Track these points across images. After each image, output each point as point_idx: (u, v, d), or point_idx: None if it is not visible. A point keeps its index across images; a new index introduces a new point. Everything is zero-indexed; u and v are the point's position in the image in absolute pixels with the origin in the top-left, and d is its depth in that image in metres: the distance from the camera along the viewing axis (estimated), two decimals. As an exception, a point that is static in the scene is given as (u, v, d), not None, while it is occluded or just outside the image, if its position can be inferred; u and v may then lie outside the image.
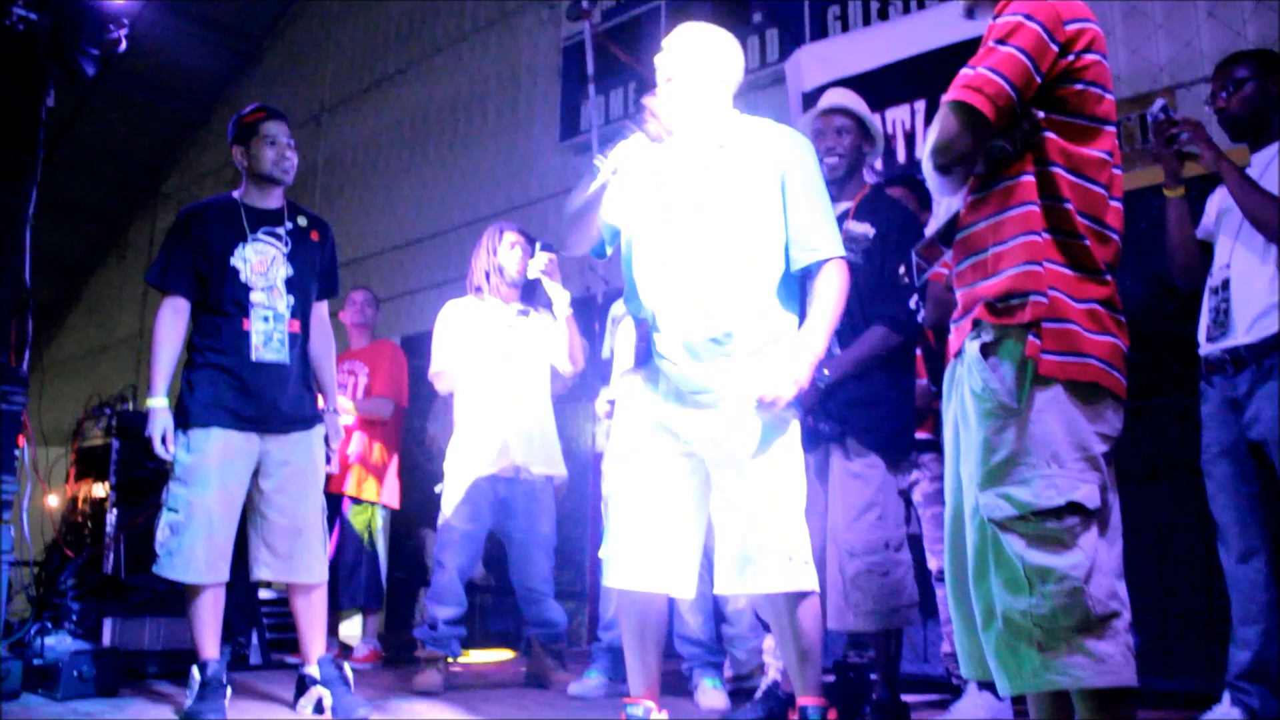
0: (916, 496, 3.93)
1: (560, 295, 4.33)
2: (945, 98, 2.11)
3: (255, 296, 3.67)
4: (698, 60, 2.96)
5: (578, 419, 6.83)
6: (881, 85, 4.96)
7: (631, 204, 2.97)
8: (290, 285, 3.77)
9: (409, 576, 7.05)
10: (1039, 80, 2.07)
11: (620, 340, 4.32)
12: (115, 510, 4.85)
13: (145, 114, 12.41)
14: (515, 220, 5.37)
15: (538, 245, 4.33)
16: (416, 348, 6.09)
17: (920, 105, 4.81)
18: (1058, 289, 2.06)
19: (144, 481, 4.83)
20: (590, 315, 4.77)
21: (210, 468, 3.55)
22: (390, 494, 5.62)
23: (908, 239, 3.50)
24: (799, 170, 2.90)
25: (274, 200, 3.87)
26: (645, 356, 2.89)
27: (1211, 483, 3.30)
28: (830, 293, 2.86)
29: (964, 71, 2.10)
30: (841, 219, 3.56)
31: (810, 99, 5.25)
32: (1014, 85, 2.04)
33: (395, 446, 5.71)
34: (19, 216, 4.05)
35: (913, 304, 3.45)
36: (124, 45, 4.43)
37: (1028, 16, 2.07)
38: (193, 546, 3.49)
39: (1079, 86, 2.11)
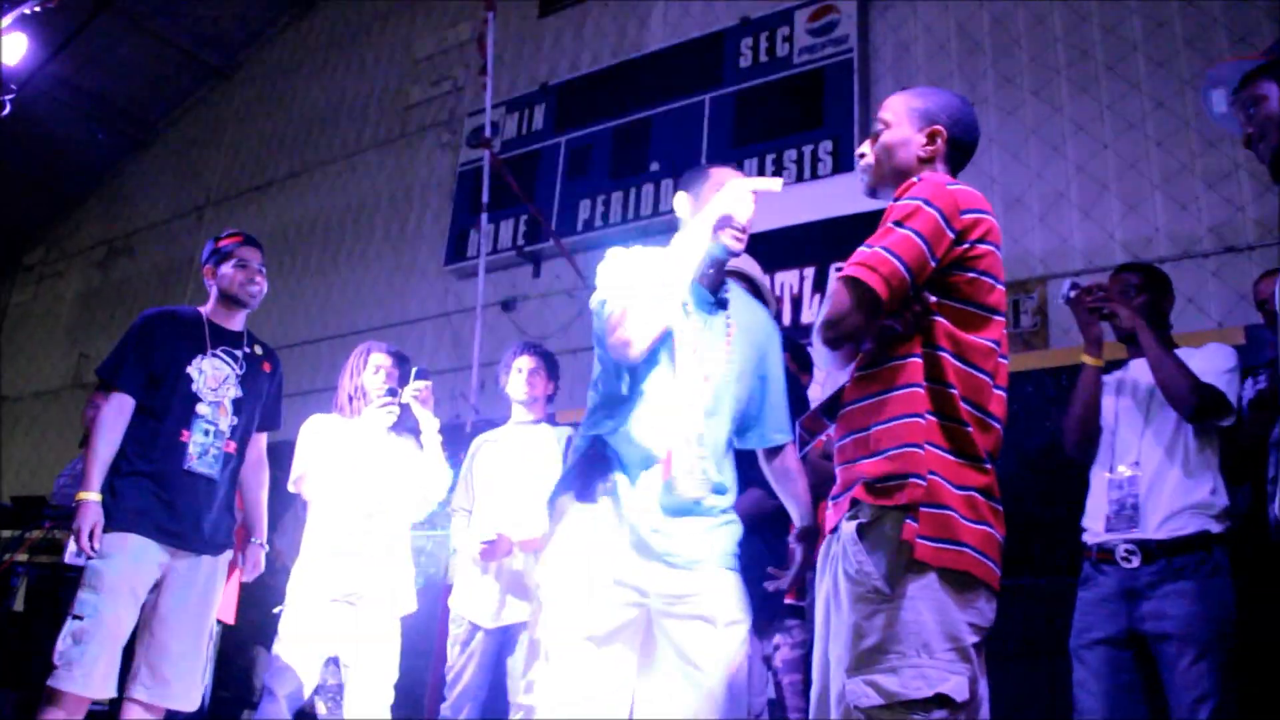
0: (777, 662, 3.88)
1: (430, 422, 4.25)
2: (839, 273, 2.12)
3: (201, 409, 3.68)
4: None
5: (429, 548, 6.66)
6: (773, 248, 5.06)
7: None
8: (237, 406, 3.80)
9: (234, 697, 6.68)
10: (933, 265, 2.09)
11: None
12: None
13: (18, 181, 12.02)
14: (392, 339, 5.27)
15: (414, 371, 4.24)
16: (274, 457, 5.87)
17: (809, 271, 4.92)
18: (937, 473, 2.04)
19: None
20: (459, 443, 4.66)
21: (124, 577, 3.44)
22: (227, 609, 5.31)
23: (790, 404, 3.53)
24: (777, 351, 2.86)
25: (236, 323, 3.94)
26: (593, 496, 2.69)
27: (1083, 668, 3.29)
28: (801, 474, 2.91)
29: (861, 249, 2.12)
30: None
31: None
32: (908, 267, 2.06)
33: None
34: None
35: None
36: (7, 109, 4.35)
37: (927, 202, 2.10)
38: (96, 659, 3.33)
39: (971, 275, 2.14)
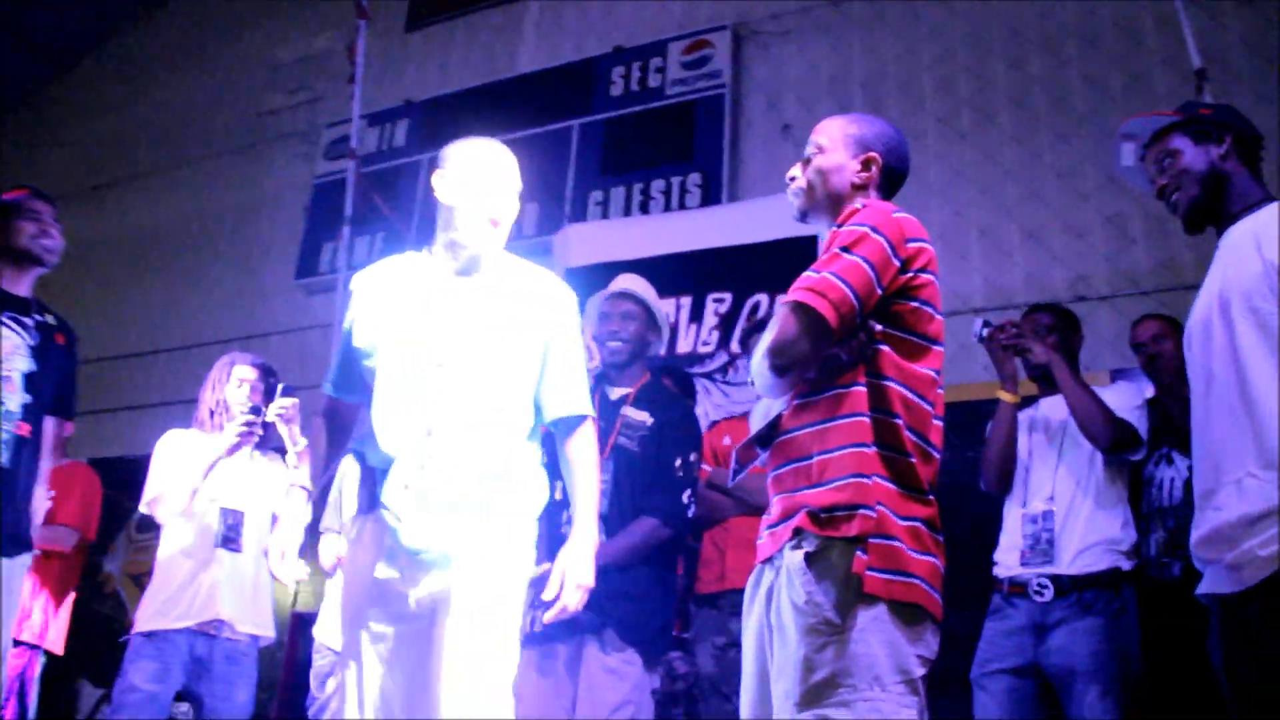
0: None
1: (297, 441, 4.04)
2: (786, 298, 2.08)
3: None
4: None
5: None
6: (649, 275, 5.01)
7: (382, 329, 2.67)
8: (29, 382, 3.29)
9: (55, 738, 6.26)
10: (879, 293, 2.07)
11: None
12: None
13: None
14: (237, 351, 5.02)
15: (280, 388, 4.02)
16: (108, 474, 5.53)
17: (686, 301, 4.90)
18: (884, 505, 2.01)
19: None
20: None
21: None
22: (55, 638, 4.94)
23: (687, 432, 3.48)
24: (566, 324, 2.76)
25: (23, 288, 3.40)
26: (369, 505, 2.61)
27: (986, 696, 3.34)
28: (590, 463, 2.77)
29: (806, 275, 2.08)
30: (619, 404, 3.51)
31: (574, 275, 5.26)
32: (857, 294, 2.03)
33: (71, 584, 5.06)
34: None
35: (685, 499, 3.39)
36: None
37: (874, 229, 2.08)
38: None
39: (914, 304, 2.12)
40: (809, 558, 2.01)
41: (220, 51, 9.73)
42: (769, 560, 2.16)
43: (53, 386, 3.42)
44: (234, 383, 4.11)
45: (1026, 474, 3.52)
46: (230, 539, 3.92)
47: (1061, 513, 3.38)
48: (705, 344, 4.78)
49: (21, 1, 9.85)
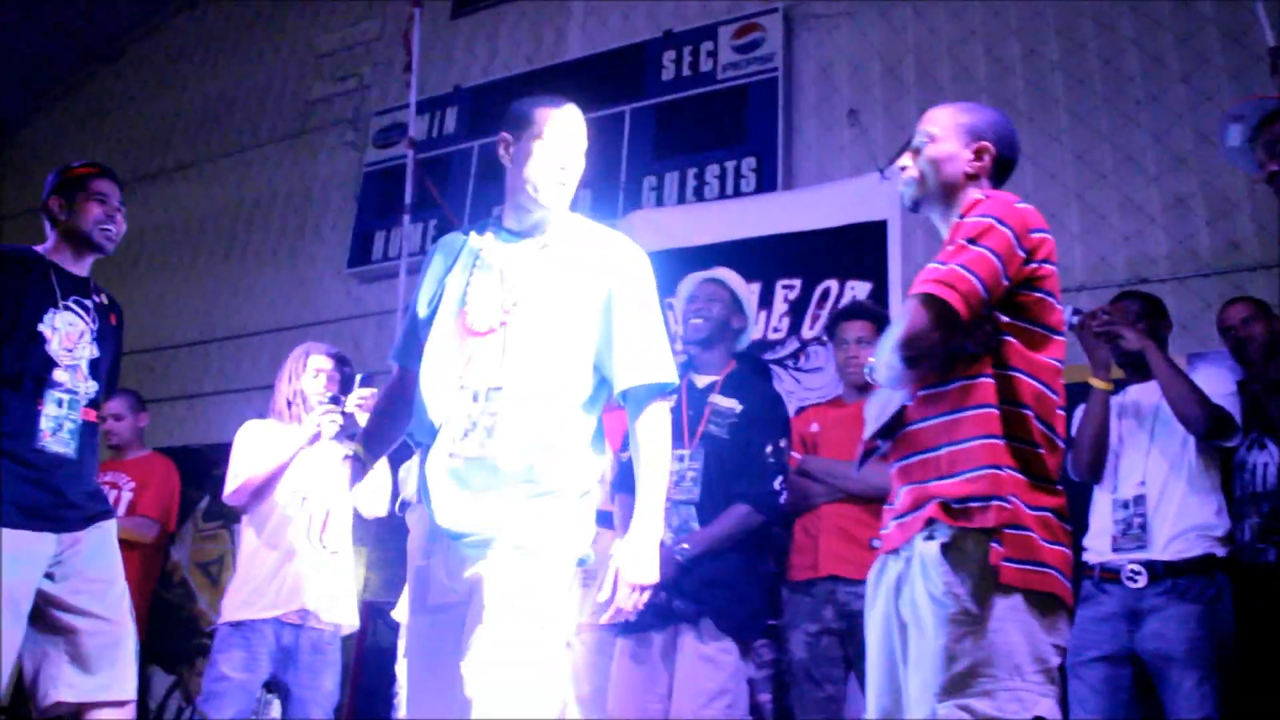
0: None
1: None
2: (915, 290, 2.11)
3: (58, 375, 3.15)
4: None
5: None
6: (717, 261, 5.01)
7: (437, 292, 2.62)
8: (94, 369, 3.26)
9: (131, 722, 6.31)
10: (1006, 284, 2.10)
11: None
12: None
13: None
14: (288, 343, 5.01)
15: (358, 378, 4.03)
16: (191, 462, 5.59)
17: (755, 287, 4.88)
18: (1016, 496, 2.03)
19: None
20: (405, 456, 4.48)
21: (8, 578, 2.94)
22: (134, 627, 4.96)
23: (776, 418, 3.49)
24: (631, 281, 2.57)
25: (83, 269, 3.37)
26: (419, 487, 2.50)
27: (1083, 685, 3.34)
28: (659, 446, 2.52)
29: (933, 266, 2.11)
30: (707, 391, 3.52)
31: (641, 262, 5.26)
32: (985, 285, 2.06)
33: (153, 575, 5.10)
34: None
35: (776, 485, 3.40)
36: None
37: (999, 220, 2.11)
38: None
39: (1038, 294, 2.15)
40: (943, 549, 2.03)
41: (265, 39, 9.76)
42: (894, 551, 2.17)
43: (109, 369, 3.40)
44: (310, 373, 4.12)
45: (1117, 460, 3.51)
46: (307, 529, 3.94)
47: (1154, 498, 3.38)
48: (776, 330, 4.77)
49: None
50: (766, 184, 6.27)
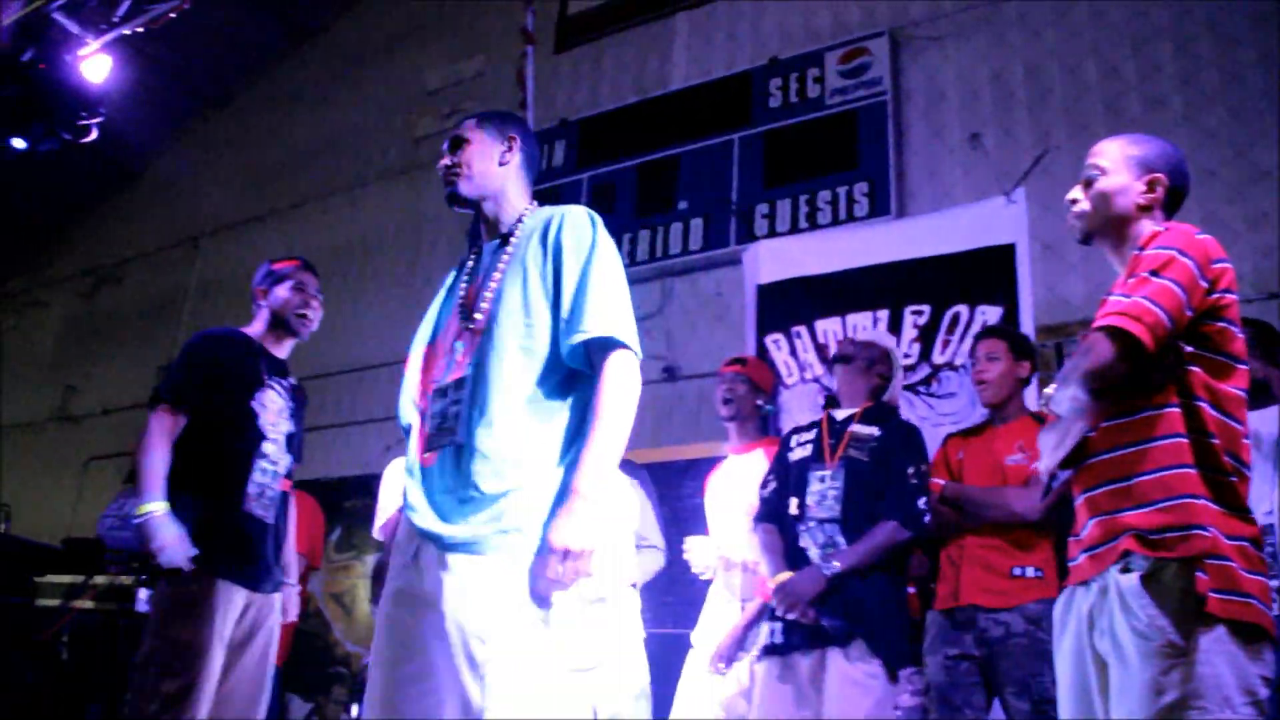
0: (898, 710, 3.83)
1: None
2: (1099, 323, 2.14)
3: (266, 447, 3.44)
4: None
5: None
6: (843, 289, 5.06)
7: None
8: (289, 442, 3.56)
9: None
10: (1189, 315, 2.12)
11: None
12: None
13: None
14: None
15: None
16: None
17: (883, 314, 4.91)
18: (1213, 525, 2.05)
19: (4, 618, 4.35)
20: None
21: (218, 622, 3.18)
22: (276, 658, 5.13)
23: (914, 444, 3.51)
24: (571, 243, 2.37)
25: (284, 351, 3.70)
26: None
27: None
28: (608, 404, 2.23)
29: (1116, 299, 2.15)
30: (847, 422, 3.56)
31: (765, 291, 5.30)
32: (1170, 316, 2.08)
33: (298, 611, 5.24)
34: None
35: (921, 504, 3.42)
36: (94, 135, 4.24)
37: (1181, 251, 2.14)
38: (199, 704, 3.11)
39: (1220, 324, 2.18)
40: (1143, 580, 2.04)
41: (370, 79, 10.00)
42: (1085, 583, 2.19)
43: (299, 443, 3.68)
44: None
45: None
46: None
47: None
48: (907, 356, 4.78)
49: (174, 41, 10.22)
50: (880, 209, 6.29)
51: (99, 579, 4.31)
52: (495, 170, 2.57)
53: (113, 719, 3.33)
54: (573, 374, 2.34)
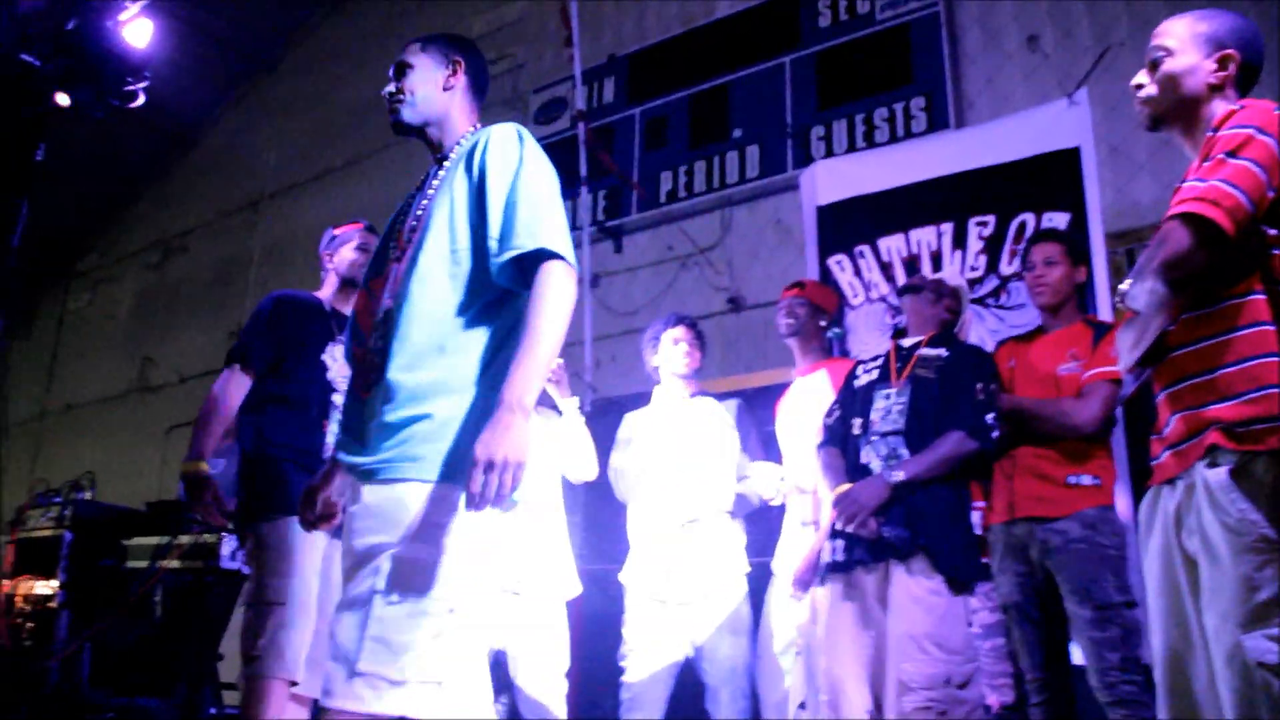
0: (975, 628, 3.76)
1: (569, 402, 4.12)
2: (1174, 210, 2.02)
3: (336, 398, 3.53)
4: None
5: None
6: (905, 205, 4.94)
7: None
8: None
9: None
10: (1271, 196, 1.99)
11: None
12: (66, 613, 4.44)
13: (66, 190, 11.92)
14: None
15: None
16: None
17: (947, 228, 4.79)
18: None
19: (98, 581, 4.45)
20: (605, 420, 4.55)
21: (310, 560, 3.33)
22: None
23: (983, 362, 3.43)
24: (493, 159, 2.27)
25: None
26: None
27: None
28: (536, 315, 2.10)
29: (1191, 184, 2.02)
30: (914, 348, 3.48)
31: (825, 213, 5.21)
32: (1249, 198, 1.96)
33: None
34: None
35: (989, 419, 3.32)
36: (141, 99, 4.27)
37: (1259, 130, 2.01)
38: (300, 643, 3.24)
39: None
40: (1231, 474, 1.96)
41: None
42: (1170, 481, 2.11)
43: None
44: None
45: None
46: (522, 499, 3.99)
47: None
48: (973, 269, 4.66)
49: (217, 8, 10.25)
50: (938, 122, 6.16)
51: (183, 538, 4.41)
52: (438, 95, 2.50)
53: (206, 671, 3.42)
54: (503, 296, 2.24)
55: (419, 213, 2.35)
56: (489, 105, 7.85)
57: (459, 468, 2.06)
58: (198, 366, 10.21)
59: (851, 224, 5.09)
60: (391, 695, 1.99)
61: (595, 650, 4.45)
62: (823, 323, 4.09)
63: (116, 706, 4.03)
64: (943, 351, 3.44)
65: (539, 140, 6.31)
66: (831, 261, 5.12)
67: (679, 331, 4.21)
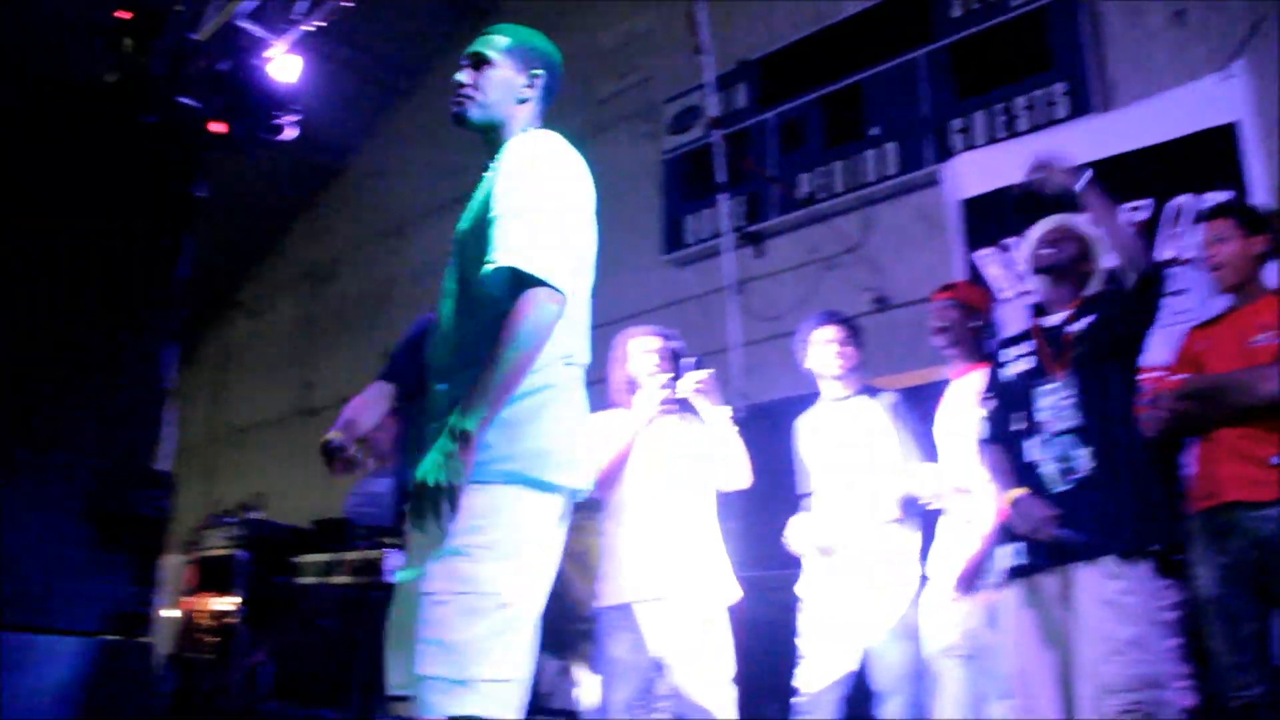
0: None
1: (718, 413, 4.08)
2: None
3: None
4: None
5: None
6: (1050, 194, 4.81)
7: None
8: None
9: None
10: None
11: None
12: (244, 628, 4.64)
13: (221, 224, 12.43)
14: (611, 336, 5.12)
15: (684, 361, 4.06)
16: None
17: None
18: None
19: (272, 596, 4.64)
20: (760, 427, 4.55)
21: None
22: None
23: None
24: (504, 171, 2.31)
25: None
26: None
27: None
28: (506, 335, 2.11)
29: None
30: (1059, 327, 3.37)
31: (970, 206, 5.13)
32: None
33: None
34: (167, 305, 4.03)
35: (1153, 403, 3.20)
36: (295, 133, 4.46)
37: None
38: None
39: None
40: None
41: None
42: None
43: None
44: (638, 355, 4.16)
45: None
46: (672, 505, 4.00)
47: None
48: (1130, 255, 4.53)
49: (354, 40, 10.56)
50: (1081, 107, 5.98)
51: (350, 555, 4.57)
52: (510, 104, 2.50)
53: (377, 682, 3.52)
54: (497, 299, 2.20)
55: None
56: (624, 118, 8.02)
57: (498, 469, 2.12)
58: (355, 388, 10.49)
59: (997, 216, 4.99)
60: (462, 697, 2.03)
61: (757, 656, 4.44)
62: (976, 324, 4.01)
63: (297, 718, 4.18)
64: (1090, 318, 3.32)
65: (673, 151, 6.45)
66: (979, 255, 5.03)
67: (828, 331, 4.16)
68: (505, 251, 2.15)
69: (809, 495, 4.20)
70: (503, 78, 2.50)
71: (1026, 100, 6.25)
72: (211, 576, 5.06)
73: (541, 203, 2.24)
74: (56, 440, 3.67)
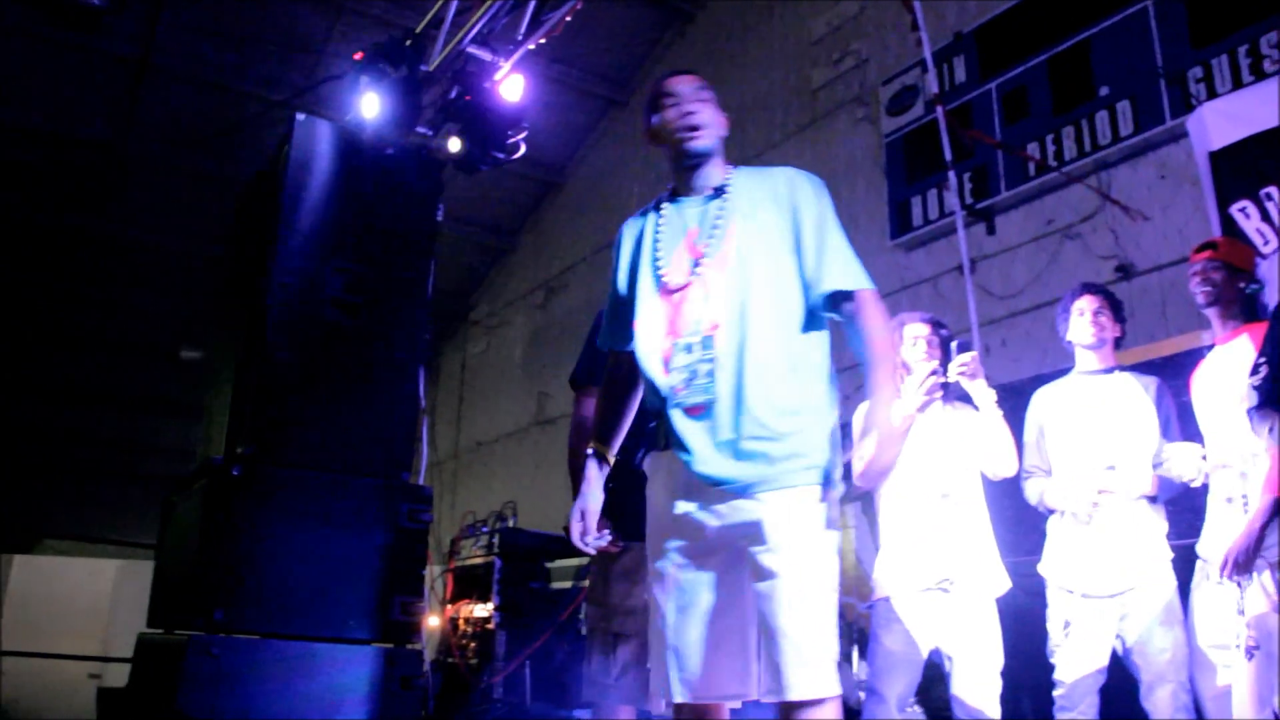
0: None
1: (985, 395, 3.97)
2: None
3: None
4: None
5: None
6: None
7: (633, 269, 2.78)
8: None
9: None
10: None
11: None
12: (503, 633, 4.79)
13: (456, 244, 12.93)
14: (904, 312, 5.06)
15: (954, 345, 3.98)
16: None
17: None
18: None
19: (528, 602, 4.77)
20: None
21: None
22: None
23: None
24: (806, 199, 2.62)
25: None
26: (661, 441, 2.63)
27: None
28: (876, 331, 2.56)
29: None
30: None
31: (1220, 158, 4.81)
32: None
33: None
34: (416, 326, 4.21)
35: None
36: (523, 150, 4.61)
37: None
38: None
39: None
40: None
41: (755, 45, 10.08)
42: None
43: None
44: (908, 342, 4.10)
45: None
46: (947, 495, 3.92)
47: None
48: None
49: (569, 56, 10.78)
50: (1339, 39, 5.54)
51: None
52: (719, 139, 2.74)
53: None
54: (812, 319, 2.54)
55: (729, 237, 2.56)
56: (841, 105, 7.91)
57: (830, 473, 2.45)
58: (586, 398, 10.75)
59: (1252, 165, 4.65)
60: (833, 678, 2.32)
61: (1018, 646, 4.27)
62: (1241, 284, 3.76)
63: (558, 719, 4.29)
64: None
65: (893, 134, 6.35)
66: (1234, 209, 4.70)
67: (1083, 301, 4.01)
68: (843, 276, 2.55)
69: (1042, 471, 4.04)
70: (716, 115, 2.76)
71: (1276, 36, 5.80)
72: (470, 584, 5.25)
73: (843, 233, 2.64)
74: (330, 460, 3.91)
